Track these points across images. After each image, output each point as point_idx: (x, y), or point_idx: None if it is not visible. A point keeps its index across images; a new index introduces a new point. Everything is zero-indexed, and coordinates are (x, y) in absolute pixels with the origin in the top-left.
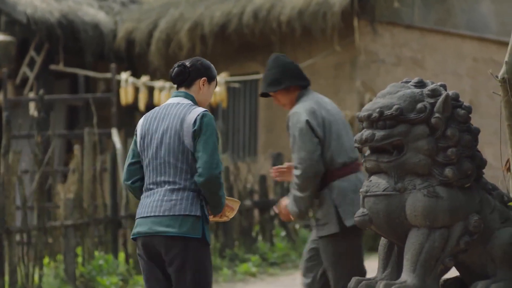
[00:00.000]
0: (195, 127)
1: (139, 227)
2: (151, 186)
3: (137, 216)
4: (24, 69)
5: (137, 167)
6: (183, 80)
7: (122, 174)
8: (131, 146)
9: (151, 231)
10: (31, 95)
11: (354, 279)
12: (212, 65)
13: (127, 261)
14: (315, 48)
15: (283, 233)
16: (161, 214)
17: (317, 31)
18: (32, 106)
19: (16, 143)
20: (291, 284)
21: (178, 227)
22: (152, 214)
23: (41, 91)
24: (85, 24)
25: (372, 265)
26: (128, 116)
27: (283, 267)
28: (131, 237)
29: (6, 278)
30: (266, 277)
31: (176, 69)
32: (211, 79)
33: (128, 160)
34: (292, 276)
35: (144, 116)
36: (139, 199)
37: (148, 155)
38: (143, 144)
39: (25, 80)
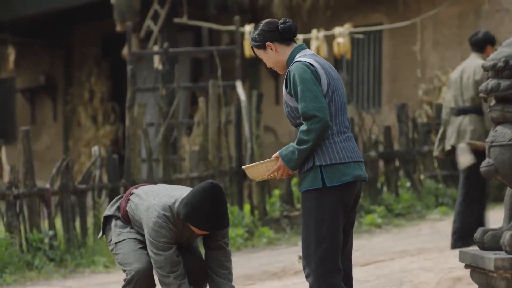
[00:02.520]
0: None
1: (357, 171)
2: (345, 130)
3: (347, 160)
4: (148, 22)
5: None
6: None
7: (246, 126)
8: (316, 88)
9: (365, 175)
10: (156, 48)
11: (480, 229)
12: None
13: (252, 212)
14: None
15: (408, 184)
16: (362, 159)
17: None
18: (156, 59)
19: (141, 96)
20: (417, 234)
21: None
22: (360, 159)
23: (165, 44)
24: None
25: (497, 216)
26: (252, 68)
27: (409, 218)
28: (347, 180)
29: None
30: (391, 228)
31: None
32: None
33: (324, 101)
34: (417, 227)
35: (312, 59)
36: (319, 138)
37: (338, 100)
38: (332, 88)
39: (149, 33)
